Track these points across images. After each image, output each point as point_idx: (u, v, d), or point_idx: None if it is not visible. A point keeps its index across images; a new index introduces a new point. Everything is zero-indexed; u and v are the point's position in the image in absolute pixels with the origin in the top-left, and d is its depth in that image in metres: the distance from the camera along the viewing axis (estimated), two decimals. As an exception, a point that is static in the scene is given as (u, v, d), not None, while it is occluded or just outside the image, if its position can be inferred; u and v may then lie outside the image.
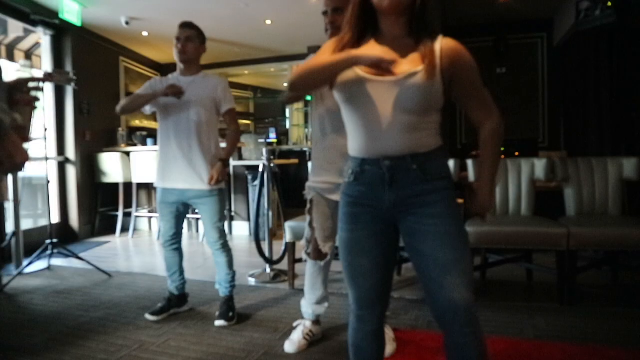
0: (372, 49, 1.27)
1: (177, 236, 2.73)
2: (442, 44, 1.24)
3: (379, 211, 1.29)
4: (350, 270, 1.34)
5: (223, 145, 2.70)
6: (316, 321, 2.35)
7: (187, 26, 2.59)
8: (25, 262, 3.60)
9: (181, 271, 2.77)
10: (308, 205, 2.27)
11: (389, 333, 2.24)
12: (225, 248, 2.68)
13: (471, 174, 3.21)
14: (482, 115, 1.32)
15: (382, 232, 1.31)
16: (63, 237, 4.73)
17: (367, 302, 1.34)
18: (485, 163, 1.35)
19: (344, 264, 1.37)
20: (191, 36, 2.57)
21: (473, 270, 1.31)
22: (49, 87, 4.80)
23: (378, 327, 1.36)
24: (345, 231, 1.34)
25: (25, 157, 1.54)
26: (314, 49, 6.20)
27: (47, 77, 3.49)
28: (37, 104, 2.01)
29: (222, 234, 2.66)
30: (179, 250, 2.75)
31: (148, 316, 2.66)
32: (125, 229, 5.34)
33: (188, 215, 3.10)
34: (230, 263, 2.68)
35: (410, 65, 1.22)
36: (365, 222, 1.31)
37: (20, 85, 2.02)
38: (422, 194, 1.25)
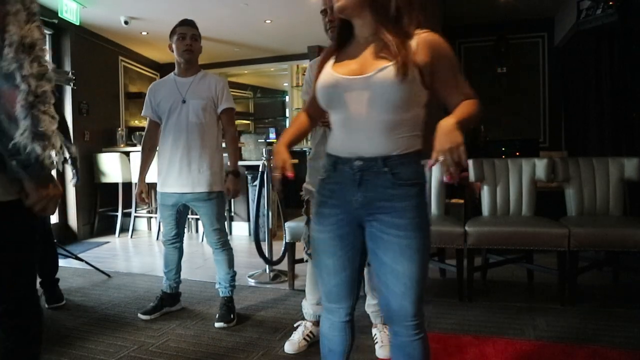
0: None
1: (178, 236, 2.73)
2: (418, 39, 1.23)
3: (346, 212, 1.32)
4: (318, 268, 1.43)
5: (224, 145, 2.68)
6: (317, 322, 2.34)
7: (190, 24, 2.57)
8: (24, 263, 3.58)
9: (177, 270, 2.77)
10: (305, 206, 2.27)
11: (386, 334, 2.23)
12: (226, 247, 2.67)
13: (472, 175, 3.20)
14: (460, 101, 1.27)
15: (347, 234, 1.34)
16: (62, 237, 4.72)
17: (333, 297, 1.40)
18: (457, 110, 1.25)
19: (313, 261, 1.46)
20: (196, 35, 2.57)
21: (426, 281, 1.36)
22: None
23: (346, 320, 1.42)
24: (314, 231, 1.41)
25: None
26: (314, 49, 6.27)
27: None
28: None
29: (222, 234, 2.66)
30: (179, 249, 2.75)
31: (140, 315, 2.65)
32: (124, 229, 5.33)
33: (188, 216, 3.09)
34: (230, 262, 2.68)
35: (381, 63, 1.21)
36: (330, 224, 1.34)
37: None
38: (392, 199, 1.26)
